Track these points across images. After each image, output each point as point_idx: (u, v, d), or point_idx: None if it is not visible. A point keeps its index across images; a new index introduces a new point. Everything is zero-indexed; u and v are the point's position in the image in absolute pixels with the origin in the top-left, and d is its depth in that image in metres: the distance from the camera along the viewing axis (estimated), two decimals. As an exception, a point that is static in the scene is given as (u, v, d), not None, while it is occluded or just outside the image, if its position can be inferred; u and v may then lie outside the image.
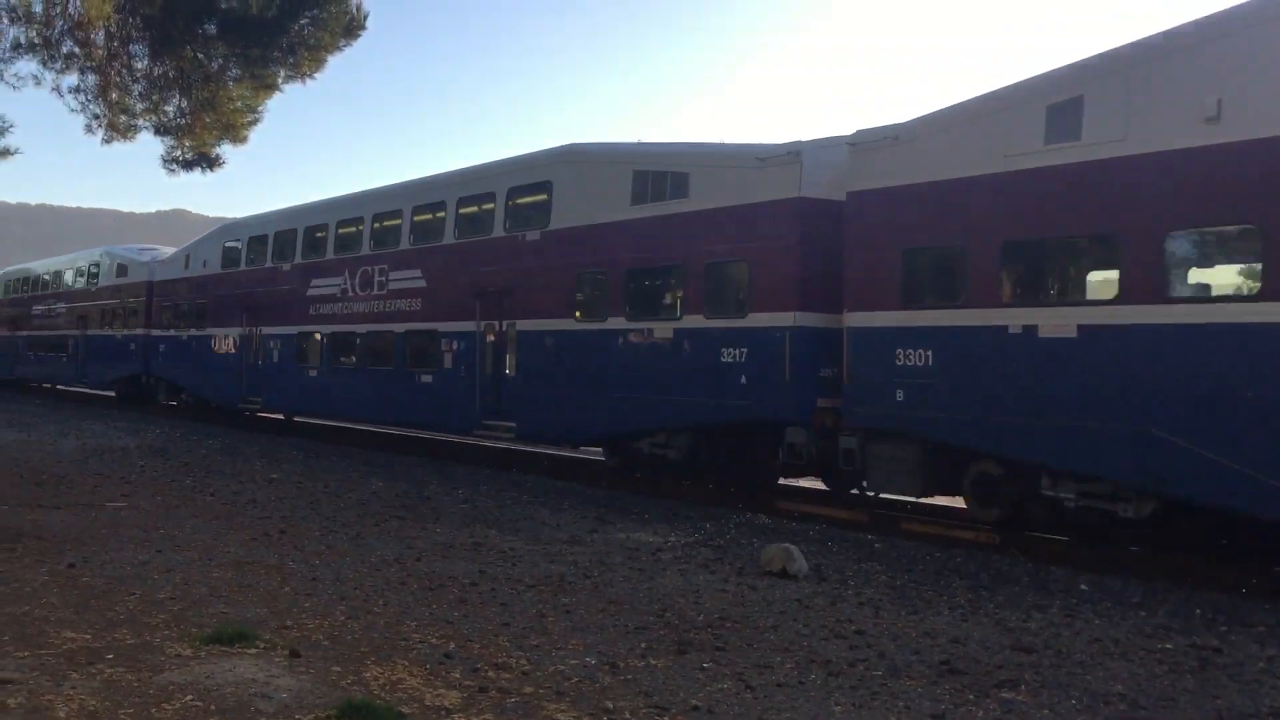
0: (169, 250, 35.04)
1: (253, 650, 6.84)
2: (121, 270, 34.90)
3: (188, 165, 17.56)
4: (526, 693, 6.33)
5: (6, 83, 15.91)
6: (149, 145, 18.83)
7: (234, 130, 16.99)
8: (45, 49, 15.41)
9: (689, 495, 15.90)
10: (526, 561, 10.57)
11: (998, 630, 8.32)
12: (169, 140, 17.20)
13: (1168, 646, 7.88)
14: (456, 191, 20.64)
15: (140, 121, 16.91)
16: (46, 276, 41.71)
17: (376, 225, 22.91)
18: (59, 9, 14.96)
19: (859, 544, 12.16)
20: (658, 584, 9.70)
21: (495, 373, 19.29)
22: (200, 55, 15.69)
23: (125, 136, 16.88)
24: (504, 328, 19.06)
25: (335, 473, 17.62)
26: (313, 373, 24.70)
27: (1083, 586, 10.05)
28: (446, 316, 20.15)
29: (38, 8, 15.07)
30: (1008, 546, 11.89)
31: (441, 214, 20.89)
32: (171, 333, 31.17)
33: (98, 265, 36.89)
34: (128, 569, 9.40)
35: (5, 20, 15.28)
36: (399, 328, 21.51)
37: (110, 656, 6.59)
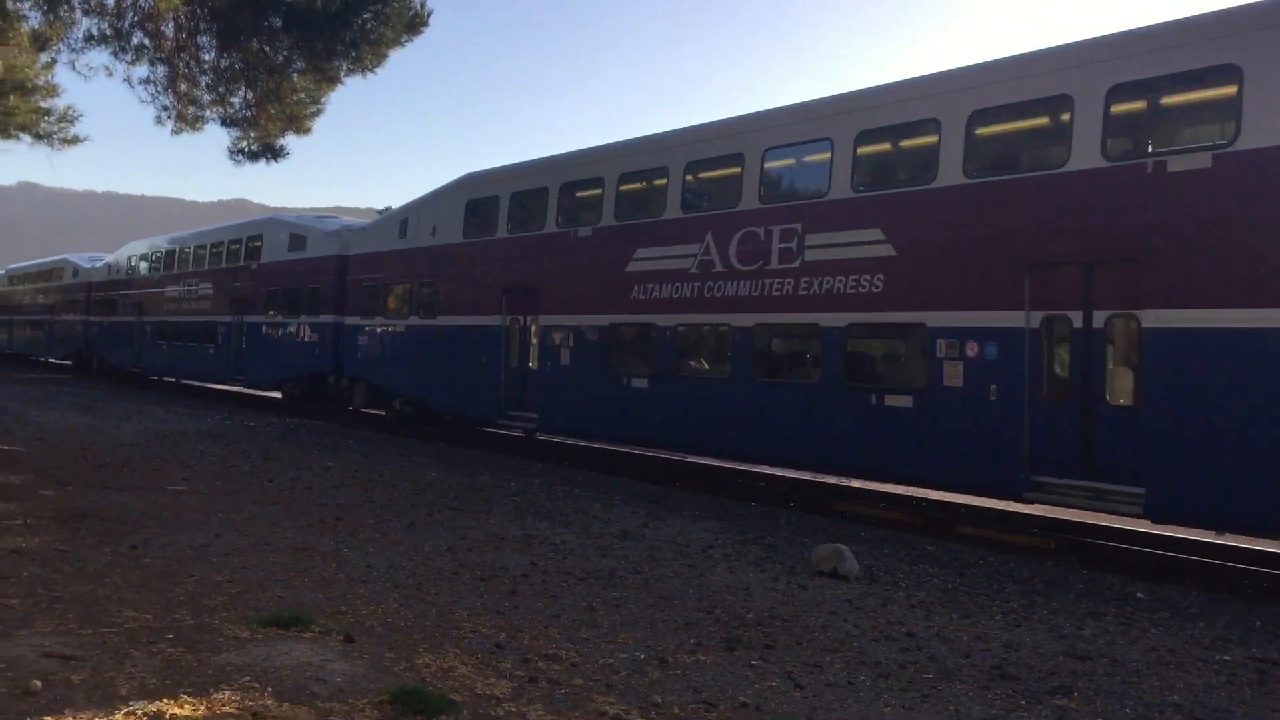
0: (354, 220, 29.65)
1: (308, 634, 6.95)
2: (297, 242, 28.34)
3: (253, 156, 17.82)
4: (576, 684, 6.38)
5: (78, 73, 16.29)
6: (212, 135, 19.14)
7: (298, 122, 17.21)
8: (116, 40, 15.73)
9: (740, 494, 15.87)
10: (577, 554, 10.63)
11: (1051, 637, 8.22)
12: (235, 131, 17.47)
13: (1225, 658, 7.75)
14: (965, 102, 12.83)
15: (208, 113, 17.21)
16: (185, 252, 35.55)
17: (769, 165, 15.35)
18: (130, 1, 15.28)
19: (911, 546, 12.08)
20: (708, 580, 9.71)
21: (1075, 401, 11.63)
22: (266, 48, 15.91)
23: (193, 127, 17.19)
24: (1102, 324, 11.46)
25: (390, 463, 17.80)
26: (638, 382, 17.14)
27: (1139, 595, 9.91)
28: (943, 303, 12.77)
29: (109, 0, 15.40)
30: (1063, 553, 11.74)
31: (927, 139, 13.40)
32: (378, 320, 24.21)
33: (259, 237, 30.49)
34: (188, 551, 9.59)
35: (78, 11, 15.64)
36: (830, 320, 14.06)
37: (170, 636, 6.74)
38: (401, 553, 10.19)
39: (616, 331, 17.71)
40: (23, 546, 9.24)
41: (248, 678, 5.96)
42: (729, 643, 7.56)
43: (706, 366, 16.39)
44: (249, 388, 31.33)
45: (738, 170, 15.63)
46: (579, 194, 18.83)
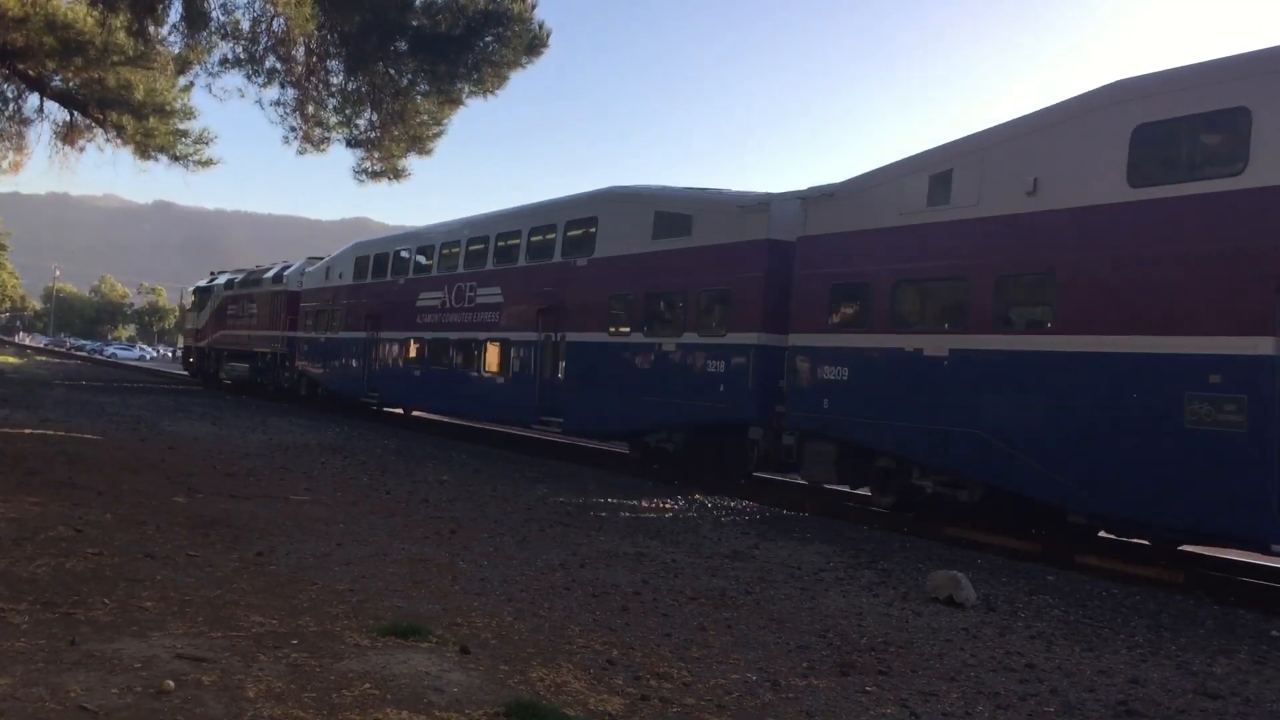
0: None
1: (425, 644, 7.07)
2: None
3: (376, 176, 18.35)
4: (688, 704, 6.36)
5: (213, 96, 17.01)
6: (337, 156, 19.99)
7: (420, 143, 17.68)
8: (250, 64, 16.39)
9: (853, 517, 15.70)
10: (688, 574, 10.62)
11: (1180, 673, 7.92)
12: (359, 152, 18.01)
13: (1371, 703, 7.36)
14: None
15: (333, 134, 17.80)
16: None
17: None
18: (264, 25, 15.90)
19: (1030, 575, 11.77)
20: (820, 604, 9.61)
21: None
22: (391, 71, 16.40)
23: (318, 148, 17.81)
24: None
25: (503, 478, 18.06)
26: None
27: (1274, 632, 9.48)
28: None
29: (245, 25, 16.05)
30: (1192, 586, 11.31)
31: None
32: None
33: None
34: (310, 559, 9.85)
35: (216, 36, 16.33)
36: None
37: (295, 642, 6.92)
38: (515, 567, 10.31)
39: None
40: (156, 551, 9.60)
41: (368, 685, 6.09)
42: (842, 668, 7.46)
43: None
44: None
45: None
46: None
